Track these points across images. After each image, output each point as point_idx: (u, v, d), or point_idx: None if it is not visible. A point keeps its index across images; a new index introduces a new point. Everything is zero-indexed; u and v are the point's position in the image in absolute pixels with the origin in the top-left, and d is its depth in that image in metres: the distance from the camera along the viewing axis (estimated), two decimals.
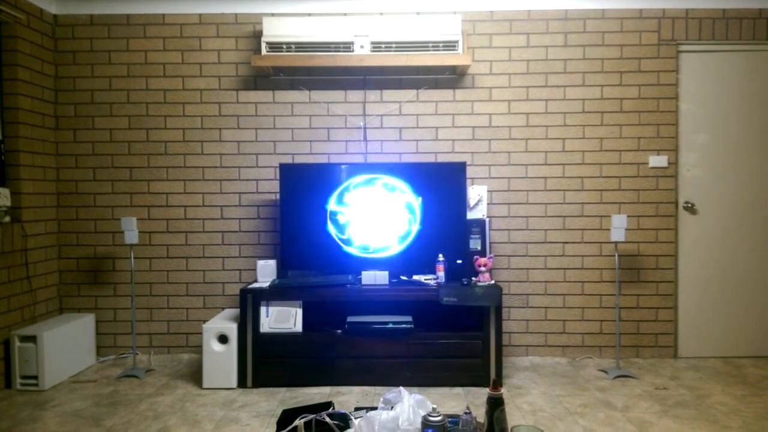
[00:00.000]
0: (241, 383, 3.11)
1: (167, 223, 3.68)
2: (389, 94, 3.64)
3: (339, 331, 3.15)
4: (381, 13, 3.58)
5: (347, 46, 3.44)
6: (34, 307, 3.42)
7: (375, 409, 2.06)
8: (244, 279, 3.67)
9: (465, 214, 3.36)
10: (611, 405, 2.84)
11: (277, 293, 3.16)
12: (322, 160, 3.65)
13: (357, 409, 2.20)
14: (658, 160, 3.60)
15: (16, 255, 3.26)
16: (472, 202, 3.46)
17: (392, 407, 2.02)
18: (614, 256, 3.46)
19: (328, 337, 3.14)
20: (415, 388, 2.96)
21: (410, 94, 3.64)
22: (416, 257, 3.35)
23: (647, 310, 3.63)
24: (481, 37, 3.61)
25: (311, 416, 2.00)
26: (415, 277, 3.31)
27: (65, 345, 3.28)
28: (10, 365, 3.13)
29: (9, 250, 3.19)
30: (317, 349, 3.12)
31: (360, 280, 3.24)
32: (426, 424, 1.83)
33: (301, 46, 3.44)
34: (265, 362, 3.12)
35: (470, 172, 3.59)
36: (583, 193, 3.63)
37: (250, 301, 3.14)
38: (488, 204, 3.57)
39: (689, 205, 3.63)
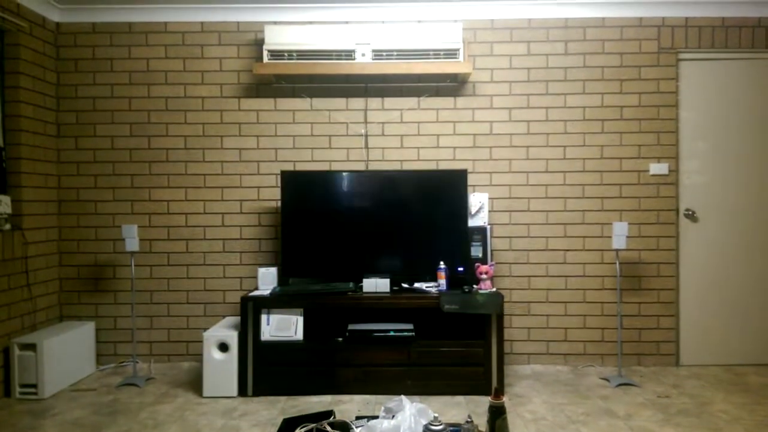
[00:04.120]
0: (242, 392, 3.10)
1: (168, 230, 3.68)
2: (390, 102, 3.65)
3: (340, 339, 3.14)
4: (382, 22, 3.60)
5: (349, 54, 3.46)
6: (34, 314, 3.41)
7: (376, 417, 2.06)
8: (245, 287, 3.67)
9: (466, 222, 3.36)
10: (613, 413, 2.83)
11: (278, 301, 3.15)
12: (324, 167, 3.65)
13: (358, 417, 2.19)
14: (658, 168, 3.61)
15: (17, 263, 3.26)
16: (473, 209, 3.46)
17: (393, 416, 2.02)
18: (615, 263, 3.45)
19: (329, 345, 3.13)
20: (417, 397, 2.94)
21: (411, 101, 3.65)
22: (417, 264, 3.35)
23: (649, 317, 3.62)
24: (482, 45, 3.62)
25: (312, 425, 2.00)
26: (417, 285, 3.30)
27: (65, 353, 3.27)
28: (9, 373, 3.12)
29: (9, 257, 3.19)
30: (318, 357, 3.11)
31: (361, 287, 3.24)
32: None
33: (303, 54, 3.45)
34: (266, 370, 3.11)
35: (471, 179, 3.60)
36: (584, 200, 3.64)
37: (250, 309, 3.13)
38: (489, 211, 3.58)
39: (690, 212, 3.63)
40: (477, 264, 3.24)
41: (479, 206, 3.47)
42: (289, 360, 3.10)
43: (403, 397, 2.10)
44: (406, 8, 3.58)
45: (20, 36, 3.30)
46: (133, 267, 3.40)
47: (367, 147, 3.65)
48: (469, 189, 3.53)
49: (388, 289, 3.22)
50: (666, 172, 3.61)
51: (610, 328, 3.61)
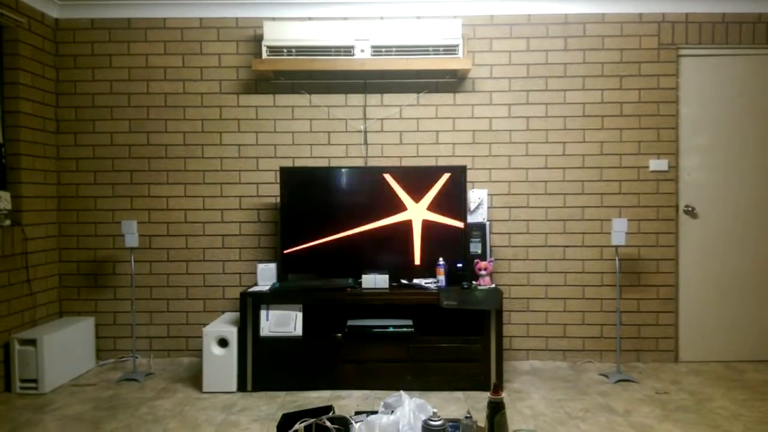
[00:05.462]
0: (241, 387, 3.11)
1: (168, 226, 3.68)
2: (390, 98, 3.64)
3: (339, 334, 3.15)
4: (381, 18, 3.59)
5: (348, 50, 3.45)
6: (34, 310, 3.42)
7: (375, 413, 2.06)
8: (245, 282, 3.67)
9: (465, 218, 3.36)
10: (612, 409, 2.84)
11: (277, 297, 3.16)
12: (323, 163, 3.65)
13: (357, 413, 2.19)
14: (658, 164, 3.60)
15: (17, 258, 3.26)
16: (472, 205, 3.46)
17: (392, 411, 2.02)
18: (615, 260, 3.45)
19: (328, 340, 3.13)
20: (416, 392, 2.94)
21: (411, 98, 3.64)
22: (417, 260, 3.35)
23: (648, 314, 3.62)
24: (482, 41, 3.62)
25: (311, 420, 1.99)
26: (416, 281, 3.30)
27: (65, 348, 3.28)
28: (9, 368, 3.13)
29: (9, 253, 3.19)
30: (317, 352, 3.12)
31: (360, 283, 3.24)
32: (426, 428, 1.82)
33: (302, 50, 3.45)
34: (265, 366, 3.11)
35: (471, 175, 3.59)
36: (583, 196, 3.63)
37: (250, 305, 3.13)
38: (489, 207, 3.58)
39: (690, 208, 3.63)
40: (476, 260, 3.25)
41: (478, 202, 3.47)
42: (288, 355, 3.11)
43: (402, 392, 2.10)
44: (406, 4, 3.57)
45: (19, 32, 3.29)
46: (132, 263, 3.40)
47: (366, 143, 3.65)
48: (469, 185, 3.52)
49: (387, 285, 3.22)
50: (666, 168, 3.60)
51: (609, 325, 3.62)
